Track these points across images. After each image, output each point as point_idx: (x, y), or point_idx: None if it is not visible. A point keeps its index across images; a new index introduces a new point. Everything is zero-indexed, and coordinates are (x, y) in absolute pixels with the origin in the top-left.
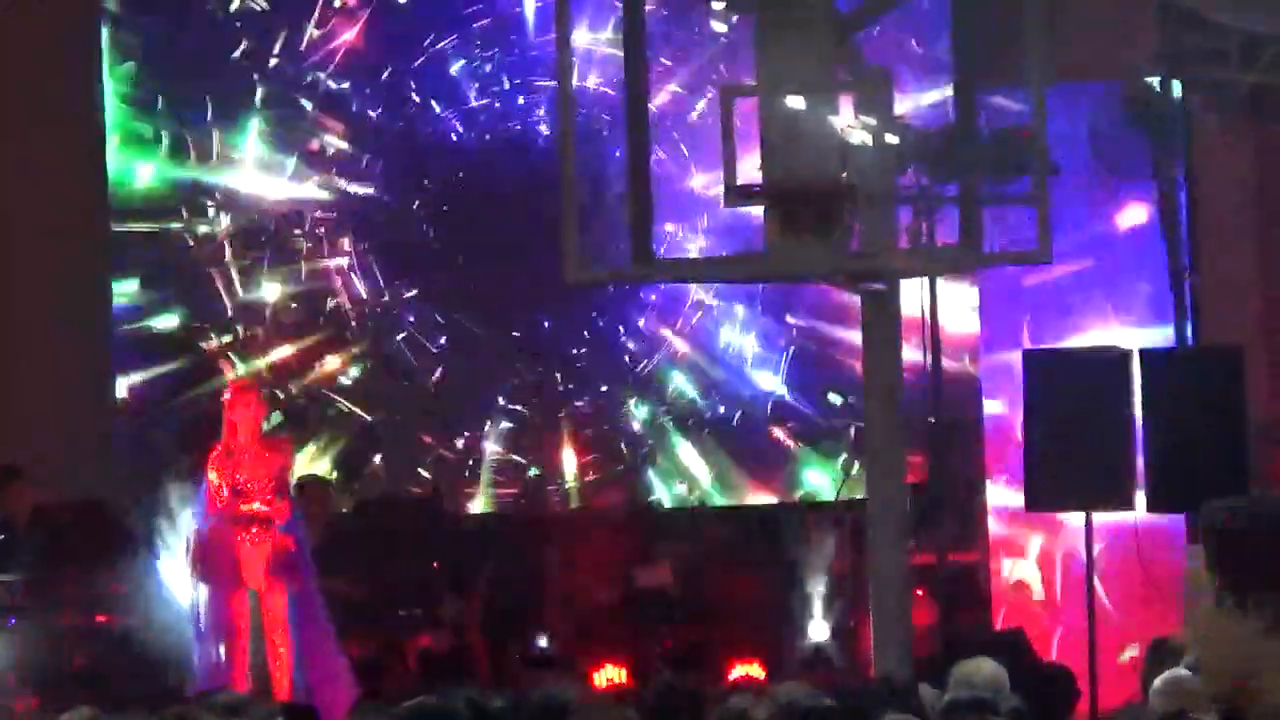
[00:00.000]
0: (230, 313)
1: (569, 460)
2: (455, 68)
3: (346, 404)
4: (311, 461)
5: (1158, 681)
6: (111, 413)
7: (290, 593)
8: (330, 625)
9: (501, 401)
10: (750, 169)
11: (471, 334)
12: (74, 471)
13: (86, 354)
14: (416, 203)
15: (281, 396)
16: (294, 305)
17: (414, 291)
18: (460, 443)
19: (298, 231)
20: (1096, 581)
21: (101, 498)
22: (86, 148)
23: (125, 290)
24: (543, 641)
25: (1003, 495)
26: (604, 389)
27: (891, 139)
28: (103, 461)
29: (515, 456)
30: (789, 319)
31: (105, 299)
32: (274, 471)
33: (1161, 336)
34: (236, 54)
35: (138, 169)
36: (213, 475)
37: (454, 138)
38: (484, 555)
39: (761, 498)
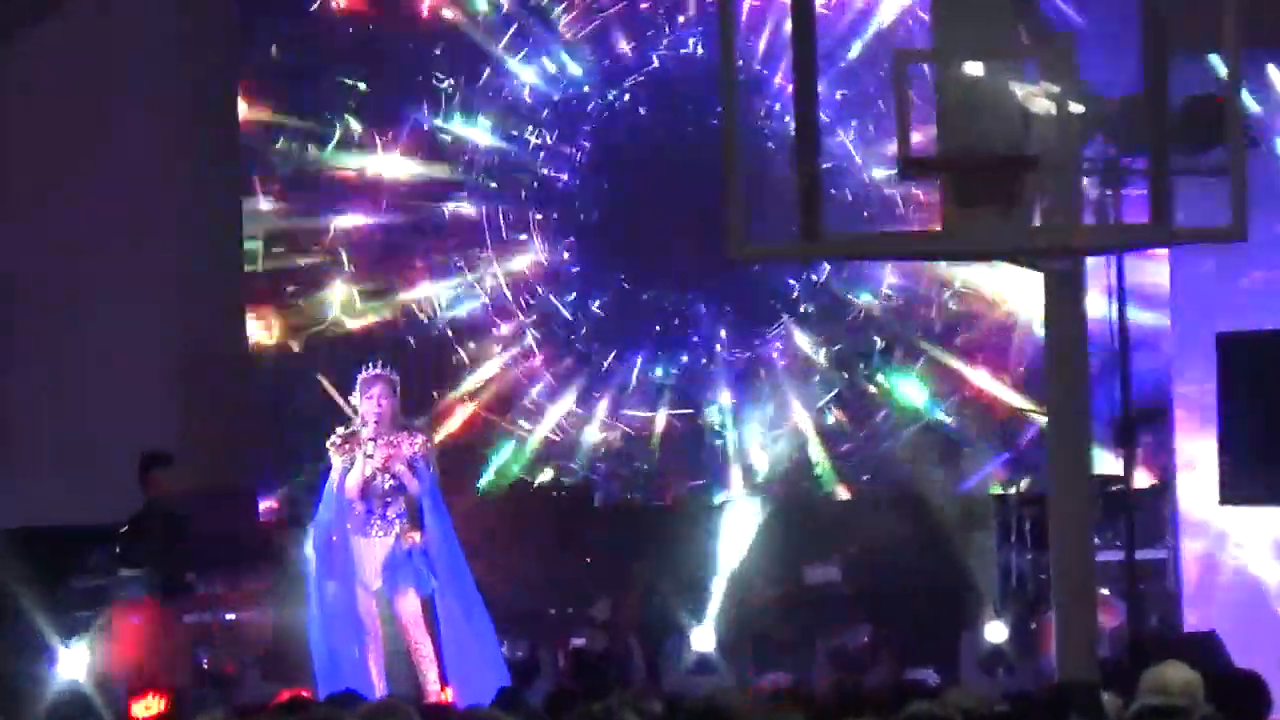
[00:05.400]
0: None
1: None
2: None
3: None
4: None
5: None
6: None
7: (420, 594)
8: (484, 622)
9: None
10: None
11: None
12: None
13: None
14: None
15: None
16: None
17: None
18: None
19: None
20: None
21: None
22: None
23: None
24: (705, 643)
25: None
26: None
27: (1076, 107)
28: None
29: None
30: None
31: None
32: (404, 460)
33: None
34: None
35: None
36: (336, 463)
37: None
38: (639, 551)
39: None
